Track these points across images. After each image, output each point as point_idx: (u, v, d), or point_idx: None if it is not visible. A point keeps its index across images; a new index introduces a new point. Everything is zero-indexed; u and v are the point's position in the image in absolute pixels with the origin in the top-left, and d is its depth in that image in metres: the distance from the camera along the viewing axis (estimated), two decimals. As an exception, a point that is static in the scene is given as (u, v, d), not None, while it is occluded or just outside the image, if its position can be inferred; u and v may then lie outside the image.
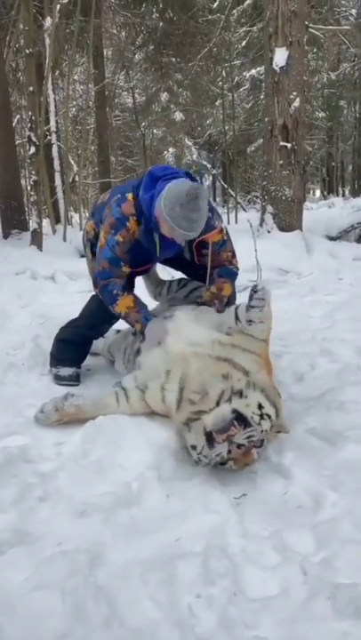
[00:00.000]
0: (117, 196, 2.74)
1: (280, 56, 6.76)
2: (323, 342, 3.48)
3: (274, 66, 6.82)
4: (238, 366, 2.27)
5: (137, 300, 2.76)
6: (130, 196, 2.69)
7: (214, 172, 21.74)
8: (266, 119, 7.29)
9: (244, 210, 14.47)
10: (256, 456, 2.00)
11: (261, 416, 2.02)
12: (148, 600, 1.41)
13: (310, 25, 8.23)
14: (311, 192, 33.05)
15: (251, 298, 2.40)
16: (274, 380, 2.55)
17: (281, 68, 6.78)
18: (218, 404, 2.06)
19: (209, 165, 21.59)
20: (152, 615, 1.37)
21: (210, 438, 1.96)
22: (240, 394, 2.07)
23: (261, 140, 11.87)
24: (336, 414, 2.38)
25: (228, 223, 11.34)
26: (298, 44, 6.85)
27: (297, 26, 6.81)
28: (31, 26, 7.70)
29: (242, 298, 3.21)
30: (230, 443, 1.93)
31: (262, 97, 8.31)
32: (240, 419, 1.97)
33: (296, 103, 6.88)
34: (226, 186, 16.69)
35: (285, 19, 6.70)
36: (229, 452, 1.93)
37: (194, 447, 2.03)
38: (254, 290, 2.40)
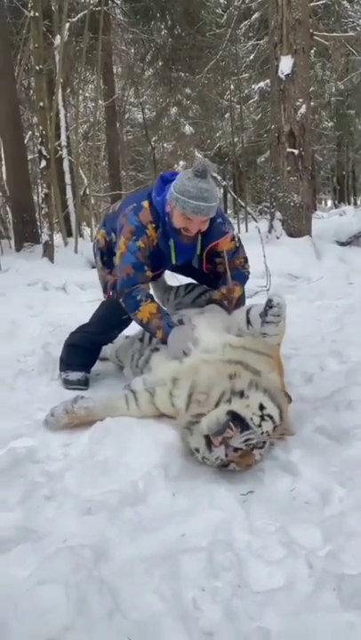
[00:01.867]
0: (133, 204, 2.74)
1: (285, 64, 6.83)
2: (332, 344, 3.46)
3: (279, 73, 6.89)
4: (250, 368, 2.22)
5: (160, 307, 2.71)
6: (146, 203, 2.71)
7: (225, 183, 21.83)
8: (273, 126, 7.34)
9: (255, 220, 14.47)
10: (258, 457, 1.97)
11: (262, 417, 1.96)
12: (152, 593, 1.40)
13: (315, 32, 8.29)
14: (323, 202, 33.02)
15: (266, 313, 2.30)
16: (285, 381, 2.53)
17: (286, 75, 6.84)
18: (217, 405, 2.01)
19: (219, 177, 21.67)
20: (156, 608, 1.35)
21: (208, 441, 1.92)
22: (241, 394, 2.02)
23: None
24: (344, 413, 2.35)
25: (239, 232, 11.39)
26: (303, 52, 6.92)
27: (301, 34, 6.89)
28: (41, 44, 7.85)
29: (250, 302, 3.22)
30: (227, 446, 1.88)
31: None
32: (237, 420, 1.91)
33: (302, 110, 6.93)
34: (236, 197, 16.73)
35: (290, 27, 6.78)
36: (226, 455, 1.89)
37: (197, 450, 2.00)
38: (270, 305, 2.29)
